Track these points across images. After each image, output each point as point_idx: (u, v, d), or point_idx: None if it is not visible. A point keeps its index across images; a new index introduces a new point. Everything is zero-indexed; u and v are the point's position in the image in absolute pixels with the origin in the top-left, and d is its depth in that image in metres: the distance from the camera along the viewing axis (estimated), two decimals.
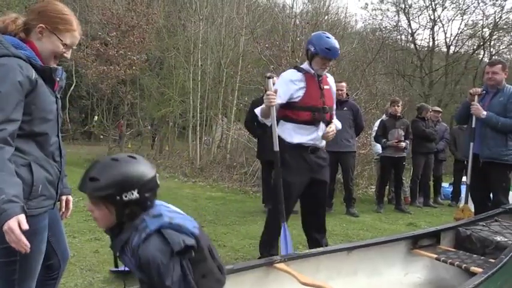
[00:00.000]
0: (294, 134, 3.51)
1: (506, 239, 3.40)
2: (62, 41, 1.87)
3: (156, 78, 15.16)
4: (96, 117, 18.34)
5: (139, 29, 12.22)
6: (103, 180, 1.53)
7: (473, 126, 4.48)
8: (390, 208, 7.05)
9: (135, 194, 1.55)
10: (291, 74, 3.48)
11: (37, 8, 1.89)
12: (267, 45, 10.01)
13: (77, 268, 3.44)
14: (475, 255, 3.23)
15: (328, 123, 3.48)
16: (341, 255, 3.10)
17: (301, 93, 3.40)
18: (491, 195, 4.48)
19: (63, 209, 2.16)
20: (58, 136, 1.97)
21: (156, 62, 15.87)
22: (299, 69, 3.46)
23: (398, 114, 6.94)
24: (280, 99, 3.38)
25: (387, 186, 7.46)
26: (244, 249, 4.29)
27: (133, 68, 12.13)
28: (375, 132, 7.17)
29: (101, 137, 16.13)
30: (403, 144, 6.76)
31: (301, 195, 3.59)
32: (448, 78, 20.78)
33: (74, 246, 3.92)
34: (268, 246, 3.62)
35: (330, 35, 3.37)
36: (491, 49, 21.18)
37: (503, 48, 22.02)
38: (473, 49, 21.06)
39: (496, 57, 21.83)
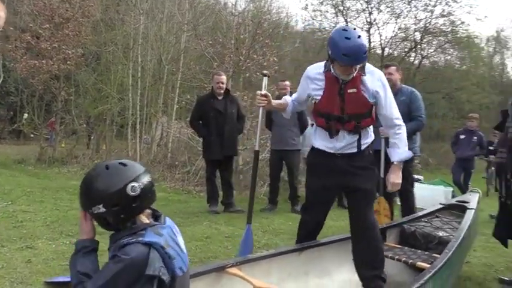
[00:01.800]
0: (316, 136, 3.02)
1: (447, 234, 3.54)
2: None
3: (93, 74, 14.47)
4: (26, 115, 17.31)
5: (74, 22, 11.60)
6: (81, 190, 1.60)
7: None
8: (334, 204, 7.16)
9: (101, 209, 1.54)
10: (313, 69, 2.91)
11: None
12: (210, 42, 9.87)
13: (7, 281, 3.13)
14: (419, 251, 3.33)
15: (355, 132, 2.84)
16: (292, 257, 3.07)
17: (318, 95, 2.85)
18: None
19: None
20: None
21: (93, 57, 15.15)
22: (325, 64, 2.82)
23: None
24: (296, 95, 3.10)
25: None
26: (191, 252, 4.13)
27: (68, 62, 11.49)
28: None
29: (31, 135, 15.18)
30: None
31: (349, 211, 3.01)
32: None
33: (3, 257, 3.58)
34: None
35: (351, 33, 2.60)
36: (422, 52, 22.37)
37: (432, 52, 23.39)
38: (405, 51, 22.12)
39: (426, 60, 23.16)
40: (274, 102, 3.19)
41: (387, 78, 4.80)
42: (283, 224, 5.52)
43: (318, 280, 3.09)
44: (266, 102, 3.07)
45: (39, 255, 3.70)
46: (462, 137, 8.24)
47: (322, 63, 2.85)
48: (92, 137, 15.62)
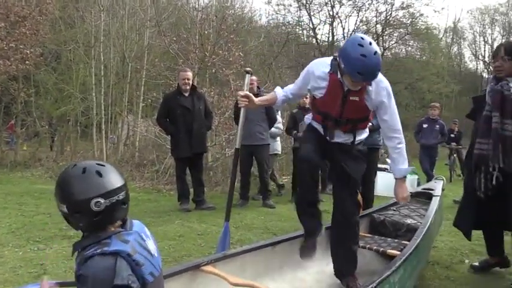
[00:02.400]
0: (313, 122, 3.00)
1: (415, 221, 3.66)
2: None
3: (53, 74, 14.03)
4: None
5: (31, 20, 11.15)
6: (56, 183, 1.57)
7: None
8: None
9: (64, 209, 1.53)
10: (318, 66, 2.79)
11: None
12: (174, 39, 9.74)
13: None
14: (389, 239, 3.42)
15: (350, 132, 2.86)
16: (266, 251, 3.10)
17: (319, 93, 2.80)
18: None
19: None
20: None
21: (53, 56, 14.68)
22: (331, 64, 2.71)
23: (307, 106, 7.14)
24: (294, 86, 3.00)
25: None
26: (164, 252, 4.09)
27: (27, 62, 11.04)
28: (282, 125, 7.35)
29: None
30: None
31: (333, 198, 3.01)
32: None
33: None
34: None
35: (368, 49, 2.43)
36: (384, 44, 22.82)
37: (393, 43, 23.93)
38: None
39: (388, 51, 23.66)
40: (260, 99, 3.13)
41: None
42: (255, 218, 5.55)
43: (293, 273, 3.13)
44: (247, 102, 2.98)
45: (6, 263, 3.58)
46: (425, 126, 8.49)
47: (328, 61, 2.74)
48: (55, 139, 15.17)
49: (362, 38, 2.49)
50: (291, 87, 3.05)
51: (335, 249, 2.96)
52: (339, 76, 2.64)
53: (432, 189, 4.37)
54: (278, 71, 13.27)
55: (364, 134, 2.97)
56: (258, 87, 6.52)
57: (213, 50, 9.00)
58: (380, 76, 2.66)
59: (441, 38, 29.08)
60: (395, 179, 2.90)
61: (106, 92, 12.11)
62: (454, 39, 32.61)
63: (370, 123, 3.48)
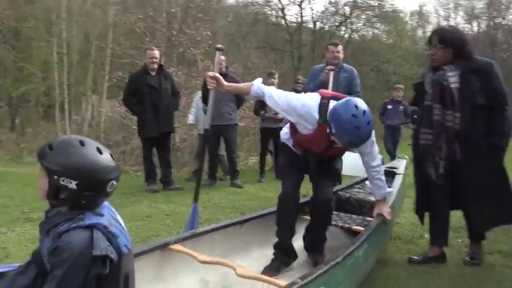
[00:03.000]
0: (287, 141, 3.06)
1: None
2: None
3: (12, 52, 13.44)
4: None
5: None
6: (55, 154, 1.51)
7: None
8: (271, 177, 7.34)
9: (72, 184, 1.49)
10: (310, 104, 2.70)
11: None
12: (140, 16, 9.49)
13: None
14: (354, 216, 3.52)
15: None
16: (234, 230, 3.12)
17: (303, 131, 2.81)
18: None
19: None
20: None
21: (11, 33, 14.03)
22: (319, 109, 2.67)
23: (275, 86, 7.15)
24: (281, 98, 2.77)
25: (268, 156, 7.73)
26: (132, 232, 4.00)
27: None
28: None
29: None
30: (280, 115, 7.01)
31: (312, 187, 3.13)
32: (315, 53, 22.07)
33: None
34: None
35: (361, 121, 2.46)
36: (352, 26, 23.00)
37: (361, 25, 24.12)
38: (336, 25, 22.63)
39: (355, 33, 23.87)
40: (231, 85, 2.99)
41: (335, 56, 5.06)
42: (223, 198, 5.57)
43: (260, 250, 3.17)
44: (215, 85, 2.84)
45: None
46: (389, 107, 8.67)
47: (316, 105, 2.68)
48: (16, 120, 14.64)
49: (356, 107, 2.49)
50: (277, 93, 2.81)
51: (311, 229, 3.09)
52: (328, 131, 2.62)
53: (396, 168, 4.49)
54: (246, 51, 13.15)
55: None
56: (226, 67, 6.47)
57: (181, 28, 8.84)
58: None
59: (407, 21, 29.52)
60: (377, 200, 3.14)
61: (69, 71, 11.74)
62: (419, 23, 33.17)
63: None
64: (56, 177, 1.49)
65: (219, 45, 3.17)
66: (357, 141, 2.59)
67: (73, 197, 1.51)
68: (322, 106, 2.66)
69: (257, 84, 2.85)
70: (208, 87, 2.95)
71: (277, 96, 2.77)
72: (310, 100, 2.74)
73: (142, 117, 5.87)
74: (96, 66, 12.55)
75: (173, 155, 7.51)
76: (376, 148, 2.93)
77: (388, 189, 3.24)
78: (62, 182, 1.49)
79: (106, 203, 1.66)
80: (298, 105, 2.71)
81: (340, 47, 5.22)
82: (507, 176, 3.16)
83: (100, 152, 1.55)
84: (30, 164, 8.78)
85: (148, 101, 5.77)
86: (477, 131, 3.08)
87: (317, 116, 2.67)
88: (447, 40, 3.10)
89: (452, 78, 3.11)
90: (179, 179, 6.76)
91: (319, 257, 2.97)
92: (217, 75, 2.87)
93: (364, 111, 2.49)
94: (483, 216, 3.16)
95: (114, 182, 1.56)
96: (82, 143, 1.54)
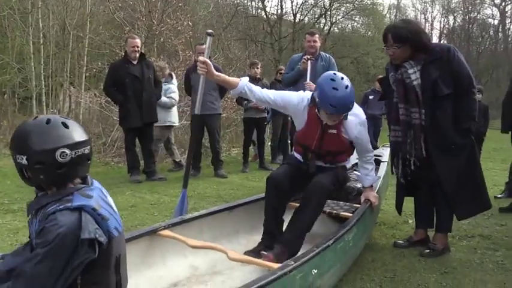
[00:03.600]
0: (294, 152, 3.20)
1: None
2: None
3: None
4: None
5: None
6: (14, 134, 1.50)
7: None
8: (254, 167, 7.34)
9: (24, 160, 1.45)
10: (301, 97, 2.94)
11: None
12: (119, 5, 9.32)
13: None
14: (341, 202, 3.54)
15: (331, 164, 3.00)
16: (222, 216, 3.12)
17: (299, 125, 2.99)
18: None
19: None
20: None
21: None
22: (311, 96, 2.84)
23: (258, 76, 7.14)
24: (274, 94, 2.95)
25: (250, 146, 7.73)
26: None
27: None
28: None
29: None
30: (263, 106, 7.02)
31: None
32: (295, 45, 22.15)
33: None
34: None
35: (339, 83, 2.64)
36: (331, 19, 23.13)
37: (340, 18, 24.29)
38: (316, 18, 22.73)
39: (335, 26, 24.01)
40: (220, 76, 2.97)
41: (312, 46, 5.15)
42: (208, 188, 5.55)
43: (248, 236, 3.17)
44: (206, 70, 2.84)
45: None
46: (371, 97, 8.77)
47: (307, 97, 2.89)
48: None
49: (334, 74, 2.73)
50: (267, 92, 2.97)
51: (296, 211, 2.89)
52: (316, 111, 2.79)
53: (380, 156, 4.54)
54: (227, 42, 13.09)
55: (346, 164, 3.14)
56: (209, 56, 6.40)
57: (161, 18, 8.72)
58: (357, 111, 2.89)
59: (385, 15, 29.84)
60: (364, 187, 3.24)
61: (46, 61, 11.45)
62: (397, 16, 33.57)
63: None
64: (13, 156, 1.48)
65: (210, 30, 3.16)
66: (337, 103, 2.64)
67: (33, 174, 1.47)
68: (312, 96, 2.84)
69: (244, 79, 2.94)
70: (199, 71, 2.90)
71: (268, 92, 2.97)
72: (302, 93, 3.02)
73: (125, 107, 5.78)
74: (73, 57, 12.26)
75: (155, 146, 7.41)
76: (368, 142, 3.08)
77: (376, 178, 3.30)
78: (18, 160, 1.47)
79: (97, 184, 1.62)
80: (292, 96, 2.94)
81: (316, 36, 5.31)
82: (478, 163, 3.18)
83: (48, 122, 1.48)
84: (7, 157, 8.55)
85: (131, 90, 5.68)
86: (446, 121, 3.05)
87: (305, 102, 2.90)
88: (402, 38, 3.02)
89: (413, 75, 3.06)
90: (162, 170, 6.71)
91: (281, 249, 2.62)
92: (208, 61, 2.85)
93: (342, 77, 2.69)
94: (455, 208, 3.17)
95: (66, 151, 1.45)
96: (35, 118, 1.51)
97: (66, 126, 1.49)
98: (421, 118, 3.11)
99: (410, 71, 3.07)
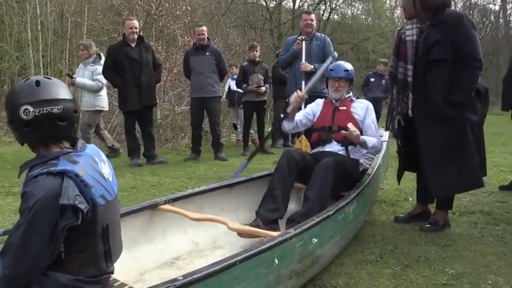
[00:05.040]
0: None
1: (365, 163, 3.79)
2: None
3: None
4: None
5: None
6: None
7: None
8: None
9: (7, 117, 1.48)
10: (318, 99, 3.66)
11: None
12: None
13: None
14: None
15: (342, 143, 3.24)
16: (223, 192, 3.13)
17: (316, 116, 3.48)
18: None
19: None
20: None
21: None
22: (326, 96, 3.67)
23: (257, 59, 7.10)
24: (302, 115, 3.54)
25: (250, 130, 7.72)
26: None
27: None
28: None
29: None
30: (263, 88, 6.98)
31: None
32: (295, 31, 21.96)
33: None
34: None
35: (337, 61, 3.57)
36: (331, 5, 22.94)
37: (340, 4, 24.08)
38: (315, 3, 22.53)
39: (335, 12, 23.83)
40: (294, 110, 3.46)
41: (309, 24, 5.18)
42: (208, 170, 5.55)
43: (248, 213, 3.17)
44: (299, 103, 3.48)
45: None
46: (372, 79, 8.74)
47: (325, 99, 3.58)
48: None
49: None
50: (300, 117, 3.52)
51: (306, 192, 2.92)
52: (329, 96, 3.52)
53: (381, 136, 4.52)
54: (227, 27, 13.00)
55: (358, 154, 3.29)
56: (208, 38, 6.37)
57: (160, 2, 8.64)
58: (364, 100, 3.52)
59: (385, 1, 29.59)
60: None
61: (44, 49, 11.38)
62: (398, 3, 33.27)
63: (312, 67, 4.84)
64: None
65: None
66: (333, 66, 3.45)
67: (11, 131, 1.51)
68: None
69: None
70: (294, 104, 3.39)
71: (301, 117, 3.53)
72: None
73: (124, 91, 5.75)
74: (71, 45, 12.17)
75: (155, 131, 7.40)
76: (376, 129, 3.43)
77: (373, 142, 3.28)
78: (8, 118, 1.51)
79: (90, 150, 1.57)
80: (311, 105, 3.61)
81: (313, 16, 5.35)
82: (469, 140, 2.95)
83: (25, 81, 1.50)
84: (8, 144, 8.56)
85: (130, 73, 5.65)
86: (436, 88, 2.92)
87: (323, 99, 3.60)
88: None
89: (409, 31, 3.09)
90: (162, 154, 6.70)
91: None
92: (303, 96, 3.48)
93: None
94: (439, 182, 3.00)
95: (29, 108, 1.43)
96: (25, 79, 1.53)
97: (37, 84, 1.47)
98: (406, 74, 3.10)
99: (408, 27, 3.13)
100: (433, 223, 3.22)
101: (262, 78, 7.03)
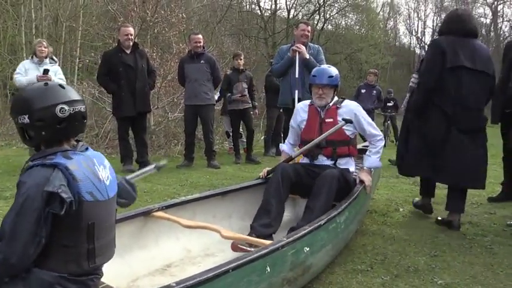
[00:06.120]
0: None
1: (356, 173, 3.83)
2: None
3: None
4: None
5: None
6: (14, 97, 1.64)
7: (296, 76, 4.91)
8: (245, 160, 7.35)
9: (26, 119, 1.54)
10: (301, 104, 3.54)
11: None
12: None
13: None
14: None
15: (332, 158, 3.23)
16: (216, 200, 3.14)
17: (303, 125, 3.38)
18: None
19: None
20: None
21: None
22: (311, 100, 3.40)
23: (241, 68, 7.10)
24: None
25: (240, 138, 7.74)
26: None
27: None
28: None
29: None
30: (246, 96, 6.99)
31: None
32: (289, 40, 22.12)
33: None
34: None
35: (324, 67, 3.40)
36: (326, 14, 23.17)
37: (334, 14, 24.35)
38: (310, 14, 22.75)
39: (328, 22, 24.06)
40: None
41: (306, 35, 5.25)
42: (201, 178, 5.56)
43: (241, 221, 3.20)
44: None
45: None
46: (363, 91, 8.83)
47: (307, 102, 3.45)
48: None
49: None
50: (291, 136, 3.56)
51: (307, 203, 2.97)
52: (313, 103, 3.32)
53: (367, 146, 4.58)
54: (221, 35, 13.07)
55: (348, 165, 3.28)
56: (203, 46, 6.41)
57: (155, 9, 8.68)
58: (349, 102, 3.35)
59: (378, 12, 29.96)
60: (364, 167, 3.32)
61: None
62: (390, 14, 33.71)
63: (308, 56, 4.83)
64: (15, 119, 1.57)
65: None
66: (315, 72, 3.31)
67: (35, 132, 1.55)
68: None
69: (285, 147, 3.61)
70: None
71: (291, 135, 3.56)
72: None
73: (118, 97, 5.76)
74: (65, 50, 12.18)
75: (148, 138, 7.41)
76: (373, 127, 3.35)
77: (379, 164, 3.36)
78: (19, 121, 1.56)
79: (97, 155, 1.65)
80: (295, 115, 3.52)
81: (310, 28, 5.40)
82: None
83: (46, 85, 1.60)
84: (0, 148, 8.53)
85: (124, 79, 5.66)
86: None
87: (308, 102, 3.44)
88: None
89: None
90: (155, 161, 6.69)
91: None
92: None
93: (329, 66, 3.44)
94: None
95: (65, 107, 1.55)
96: (46, 84, 1.61)
97: (62, 87, 1.61)
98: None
99: None
100: (447, 221, 3.56)
101: (246, 86, 7.04)
